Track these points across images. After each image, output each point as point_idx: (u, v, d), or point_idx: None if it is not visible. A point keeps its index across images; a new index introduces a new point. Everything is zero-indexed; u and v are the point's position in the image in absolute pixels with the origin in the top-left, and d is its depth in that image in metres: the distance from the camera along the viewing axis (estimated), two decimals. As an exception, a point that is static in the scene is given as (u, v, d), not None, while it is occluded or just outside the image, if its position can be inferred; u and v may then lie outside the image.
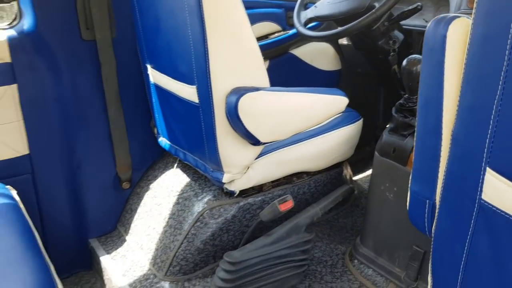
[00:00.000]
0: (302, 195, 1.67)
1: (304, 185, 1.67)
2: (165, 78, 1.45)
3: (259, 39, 2.02)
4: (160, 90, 1.52)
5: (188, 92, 1.34)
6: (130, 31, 1.60)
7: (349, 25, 1.52)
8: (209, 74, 1.24)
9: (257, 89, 1.28)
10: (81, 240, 1.78)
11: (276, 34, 2.06)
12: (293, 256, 1.45)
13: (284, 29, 2.09)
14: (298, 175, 1.65)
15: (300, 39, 2.05)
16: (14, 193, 1.43)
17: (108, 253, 1.70)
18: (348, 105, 1.65)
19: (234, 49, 1.25)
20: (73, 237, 1.77)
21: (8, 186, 1.44)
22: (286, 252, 1.43)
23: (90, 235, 1.79)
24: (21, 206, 1.36)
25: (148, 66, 1.54)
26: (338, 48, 2.19)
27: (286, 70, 2.09)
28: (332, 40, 2.11)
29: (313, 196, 1.70)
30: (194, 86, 1.30)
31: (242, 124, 1.27)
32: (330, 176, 1.75)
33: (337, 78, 2.24)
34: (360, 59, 2.07)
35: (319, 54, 2.15)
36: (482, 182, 0.67)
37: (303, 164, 1.56)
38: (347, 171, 1.86)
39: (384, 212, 1.42)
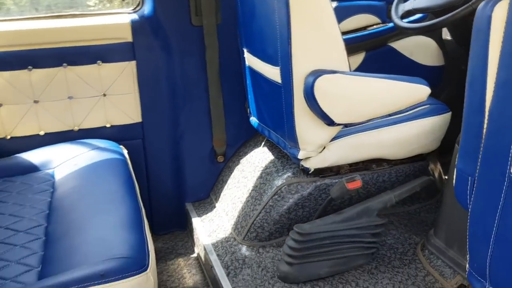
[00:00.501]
0: (381, 183, 1.70)
1: (384, 173, 1.70)
2: (256, 60, 1.60)
3: (356, 30, 2.07)
4: (253, 72, 1.67)
5: (273, 73, 1.47)
6: (233, 18, 1.78)
7: (443, 17, 1.52)
8: (291, 56, 1.36)
9: (334, 71, 1.36)
10: (178, 203, 2.02)
11: (375, 27, 2.09)
12: (362, 237, 1.50)
13: (383, 22, 2.11)
14: (378, 162, 1.68)
15: (400, 32, 2.06)
16: (125, 152, 1.69)
17: (199, 216, 1.91)
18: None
19: (316, 34, 1.35)
20: (172, 199, 2.01)
21: (121, 146, 1.71)
22: (355, 232, 1.48)
23: (186, 199, 2.02)
24: (129, 163, 1.62)
25: (245, 50, 1.70)
26: (441, 43, 2.14)
27: (383, 63, 2.11)
28: (432, 33, 2.07)
29: (393, 186, 1.72)
30: (278, 67, 1.43)
31: (317, 104, 1.36)
32: (414, 168, 1.74)
33: (440, 74, 2.19)
34: (464, 55, 2.01)
35: (420, 48, 2.13)
36: (512, 157, 0.69)
37: (381, 150, 1.59)
38: (436, 167, 1.83)
39: (458, 204, 1.41)
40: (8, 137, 1.71)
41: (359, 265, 1.52)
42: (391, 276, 1.46)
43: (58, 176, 1.52)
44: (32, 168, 1.57)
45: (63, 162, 1.59)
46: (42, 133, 1.74)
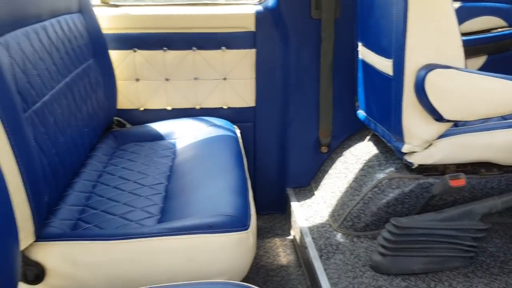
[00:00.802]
0: (489, 190, 1.64)
1: (493, 180, 1.63)
2: (369, 53, 1.64)
3: (479, 32, 2.00)
4: (365, 65, 1.72)
5: (385, 65, 1.50)
6: (350, 14, 1.84)
7: None
8: (405, 49, 1.38)
9: (448, 67, 1.36)
10: (280, 187, 2.13)
11: (500, 30, 2.00)
12: (462, 240, 1.47)
13: (510, 26, 2.01)
14: (488, 167, 1.62)
15: (528, 37, 1.95)
16: (238, 132, 1.84)
17: (298, 201, 2.00)
18: None
19: (432, 28, 1.36)
20: (274, 183, 2.13)
21: (234, 126, 1.87)
22: (454, 233, 1.46)
23: (287, 184, 2.12)
24: (240, 141, 1.76)
25: (359, 44, 1.75)
26: None
27: (505, 69, 2.01)
28: None
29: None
30: (391, 60, 1.46)
31: (427, 97, 1.37)
32: (528, 178, 1.65)
33: None
34: None
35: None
36: None
37: (491, 153, 1.54)
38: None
39: None
40: (142, 108, 1.96)
41: (454, 267, 1.49)
42: (487, 282, 1.42)
43: (179, 145, 1.72)
44: (158, 137, 1.79)
45: (184, 134, 1.78)
46: (169, 108, 1.96)
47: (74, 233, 1.15)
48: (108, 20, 1.84)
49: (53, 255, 1.08)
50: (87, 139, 1.51)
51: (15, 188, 0.93)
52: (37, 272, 1.06)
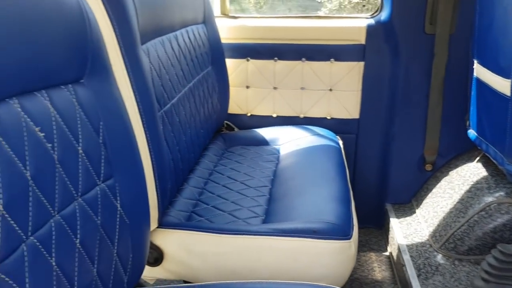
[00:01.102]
0: None
1: None
2: (485, 71, 1.58)
3: None
4: (480, 83, 1.65)
5: (502, 85, 1.44)
6: (466, 29, 1.78)
7: None
8: (528, 69, 1.32)
9: None
10: (379, 201, 2.12)
11: None
12: None
13: None
14: None
15: None
16: (340, 142, 1.87)
17: (397, 218, 1.97)
18: None
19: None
20: (372, 197, 2.12)
21: (337, 136, 1.90)
22: None
23: (387, 200, 2.10)
24: (343, 152, 1.79)
25: (475, 61, 1.70)
26: None
27: None
28: None
29: None
30: (509, 80, 1.40)
31: (549, 121, 1.30)
32: None
33: None
34: None
35: None
36: None
37: None
38: None
39: None
40: (249, 114, 2.07)
41: None
42: None
43: (283, 151, 1.79)
44: (264, 142, 1.88)
45: (288, 141, 1.85)
46: (274, 115, 2.05)
47: (189, 223, 1.26)
48: (226, 31, 1.98)
49: (171, 242, 1.20)
50: (202, 140, 1.63)
51: (148, 178, 1.06)
52: (157, 256, 1.19)
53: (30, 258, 0.59)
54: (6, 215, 0.55)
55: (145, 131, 1.07)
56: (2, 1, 0.57)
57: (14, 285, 0.56)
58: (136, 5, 1.12)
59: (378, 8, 1.93)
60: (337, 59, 1.95)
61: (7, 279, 0.55)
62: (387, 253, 1.96)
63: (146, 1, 1.19)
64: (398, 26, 1.87)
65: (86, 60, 0.78)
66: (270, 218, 1.32)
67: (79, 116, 0.75)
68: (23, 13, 0.61)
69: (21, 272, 0.57)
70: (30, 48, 0.63)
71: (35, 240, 0.61)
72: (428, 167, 2.02)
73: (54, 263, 0.64)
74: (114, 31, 1.01)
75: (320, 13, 2.04)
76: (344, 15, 2.04)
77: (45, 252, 0.62)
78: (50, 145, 0.66)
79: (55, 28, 0.69)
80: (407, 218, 1.95)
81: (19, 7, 0.60)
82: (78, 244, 0.70)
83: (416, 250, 1.72)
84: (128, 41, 1.04)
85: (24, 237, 0.59)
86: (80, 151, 0.73)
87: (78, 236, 0.70)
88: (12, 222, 0.56)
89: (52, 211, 0.65)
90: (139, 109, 1.07)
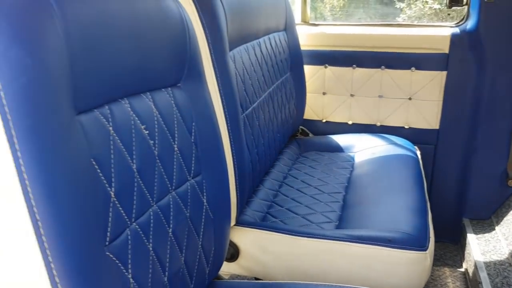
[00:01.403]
0: None
1: None
2: None
3: None
4: None
5: None
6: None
7: None
8: None
9: None
10: (456, 216, 2.04)
11: None
12: None
13: None
14: None
15: None
16: (418, 152, 1.83)
17: (475, 234, 1.90)
18: None
19: None
20: (449, 211, 2.05)
21: (415, 146, 1.86)
22: None
23: (464, 214, 2.02)
24: (421, 163, 1.75)
25: None
26: None
27: None
28: None
29: None
30: None
31: None
32: None
33: None
34: None
35: None
36: None
37: None
38: None
39: None
40: (324, 120, 2.09)
41: None
42: None
43: (358, 159, 1.79)
44: (338, 149, 1.89)
45: (363, 149, 1.85)
46: (350, 122, 2.05)
47: (264, 224, 1.31)
48: (305, 38, 2.01)
49: (247, 239, 1.25)
50: (278, 143, 1.68)
51: (230, 177, 1.12)
52: (233, 252, 1.25)
53: (132, 242, 0.66)
54: (117, 202, 0.63)
55: (229, 133, 1.13)
56: (120, 16, 0.65)
57: (119, 264, 0.63)
58: (227, 14, 1.19)
59: (464, 17, 1.88)
60: (418, 68, 1.91)
61: (114, 258, 0.62)
62: (462, 269, 1.89)
63: (236, 10, 1.26)
64: (485, 35, 1.80)
65: (184, 66, 0.85)
66: (344, 224, 1.33)
67: (176, 117, 0.81)
68: (138, 26, 0.68)
69: (125, 253, 0.64)
70: (141, 55, 0.70)
71: (137, 226, 0.68)
72: (511, 183, 1.93)
73: (151, 248, 0.71)
74: (207, 38, 1.08)
75: (399, 19, 2.01)
76: (426, 23, 1.99)
77: (144, 238, 0.69)
78: (152, 142, 0.73)
79: (161, 36, 0.76)
80: (486, 234, 1.87)
81: (135, 20, 0.68)
82: (170, 233, 0.77)
83: (494, 268, 1.64)
84: (218, 48, 1.11)
85: (129, 222, 0.66)
86: (176, 149, 0.80)
87: (171, 226, 0.77)
88: (120, 208, 0.64)
89: (152, 202, 0.72)
90: (224, 112, 1.13)
